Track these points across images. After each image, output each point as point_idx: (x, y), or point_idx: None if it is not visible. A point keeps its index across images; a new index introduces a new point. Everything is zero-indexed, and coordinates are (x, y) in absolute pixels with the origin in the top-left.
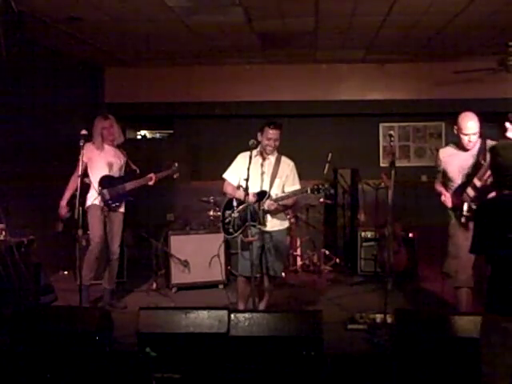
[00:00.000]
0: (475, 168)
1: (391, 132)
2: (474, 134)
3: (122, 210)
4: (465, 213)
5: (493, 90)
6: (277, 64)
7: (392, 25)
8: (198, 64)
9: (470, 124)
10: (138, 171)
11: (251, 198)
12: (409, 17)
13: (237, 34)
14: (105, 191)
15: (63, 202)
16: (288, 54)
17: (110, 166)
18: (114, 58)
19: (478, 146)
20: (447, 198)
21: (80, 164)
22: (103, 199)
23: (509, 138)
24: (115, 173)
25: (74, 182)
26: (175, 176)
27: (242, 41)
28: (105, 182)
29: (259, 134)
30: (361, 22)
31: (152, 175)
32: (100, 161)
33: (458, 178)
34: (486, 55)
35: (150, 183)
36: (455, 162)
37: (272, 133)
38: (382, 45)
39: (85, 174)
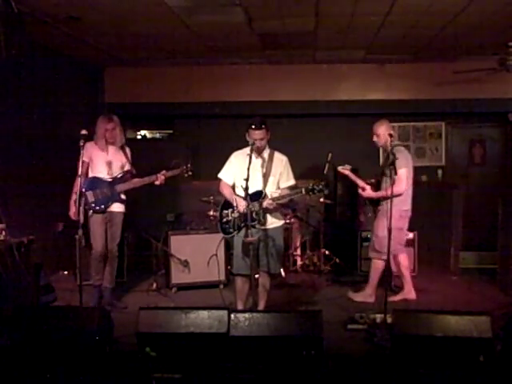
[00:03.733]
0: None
1: (391, 132)
2: (374, 134)
3: (121, 210)
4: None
5: (493, 90)
6: (277, 64)
7: (392, 25)
8: (198, 64)
9: (374, 126)
10: (133, 171)
11: (241, 208)
12: (409, 17)
13: (237, 34)
14: (88, 193)
15: (71, 202)
16: (288, 54)
17: (110, 165)
18: (114, 57)
19: (389, 148)
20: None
21: (80, 164)
22: (86, 201)
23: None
24: (115, 172)
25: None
26: (186, 175)
27: (242, 41)
28: (90, 183)
29: (247, 135)
30: (361, 22)
31: (159, 175)
32: (100, 160)
33: None
34: (486, 55)
35: (157, 183)
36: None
37: (256, 133)
38: (382, 45)
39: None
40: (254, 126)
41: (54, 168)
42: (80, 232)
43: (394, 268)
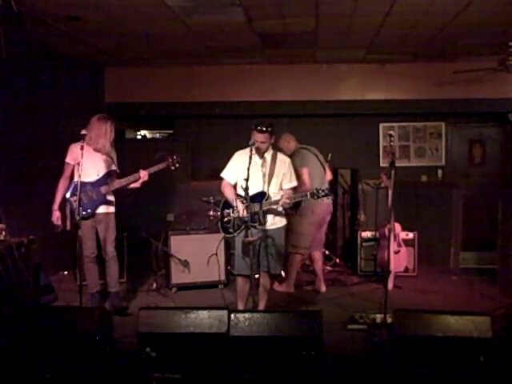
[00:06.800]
0: None
1: (391, 132)
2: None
3: (110, 210)
4: None
5: (493, 90)
6: (277, 64)
7: (392, 25)
8: (198, 64)
9: None
10: (117, 171)
11: (241, 213)
12: (409, 17)
13: (237, 34)
14: (73, 199)
15: (55, 206)
16: (288, 54)
17: (103, 165)
18: (114, 57)
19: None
20: None
21: (80, 164)
22: (71, 208)
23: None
24: (104, 173)
25: (63, 185)
26: (173, 168)
27: (242, 41)
28: (74, 188)
29: (251, 135)
30: (361, 22)
31: (141, 173)
32: (92, 162)
33: None
34: (486, 55)
35: (141, 180)
36: None
37: (259, 136)
38: (382, 45)
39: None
40: (258, 128)
41: (54, 168)
42: (80, 232)
43: (308, 262)
